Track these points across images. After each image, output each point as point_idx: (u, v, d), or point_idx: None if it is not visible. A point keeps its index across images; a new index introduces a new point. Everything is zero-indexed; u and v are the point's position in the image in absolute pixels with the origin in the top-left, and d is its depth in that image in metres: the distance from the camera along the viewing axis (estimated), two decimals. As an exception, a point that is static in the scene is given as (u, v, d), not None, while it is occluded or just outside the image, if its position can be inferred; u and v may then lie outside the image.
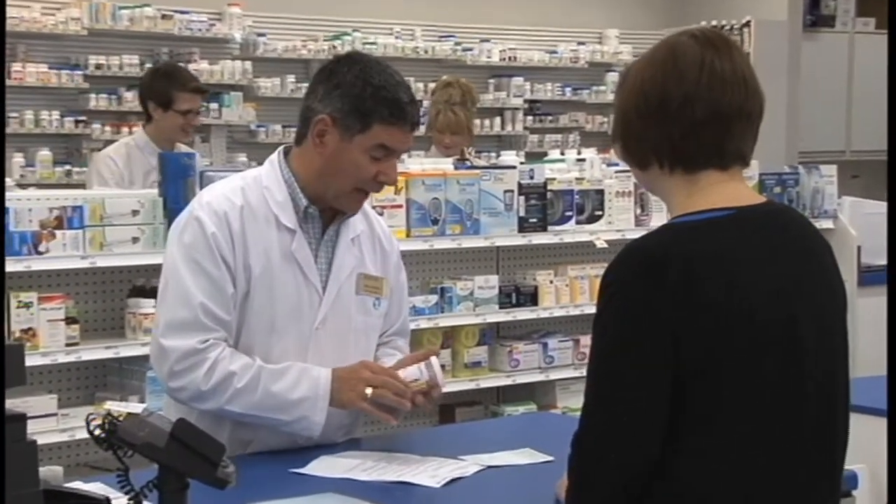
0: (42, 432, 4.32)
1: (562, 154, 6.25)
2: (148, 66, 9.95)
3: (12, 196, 4.71)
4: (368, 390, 3.04)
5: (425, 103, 11.29)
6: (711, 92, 2.19)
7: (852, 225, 6.38)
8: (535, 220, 5.47)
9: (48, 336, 4.49)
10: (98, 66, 9.78)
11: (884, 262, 5.57)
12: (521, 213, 5.42)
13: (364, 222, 3.23)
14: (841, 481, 2.27)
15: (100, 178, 5.90)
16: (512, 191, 5.39)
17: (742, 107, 2.21)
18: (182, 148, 6.03)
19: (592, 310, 2.20)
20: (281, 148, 3.18)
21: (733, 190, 2.23)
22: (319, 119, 3.03)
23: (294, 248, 3.07)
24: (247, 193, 3.07)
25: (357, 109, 2.99)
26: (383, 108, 2.99)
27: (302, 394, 3.01)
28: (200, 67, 9.75)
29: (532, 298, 5.56)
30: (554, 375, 5.64)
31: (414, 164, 5.50)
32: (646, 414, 2.10)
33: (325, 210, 3.12)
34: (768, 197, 5.99)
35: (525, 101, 11.84)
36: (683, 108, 2.19)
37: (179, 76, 6.10)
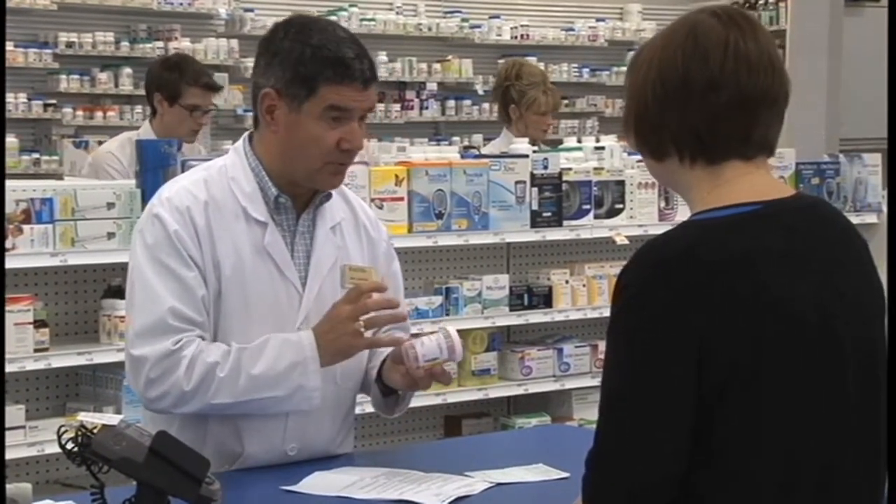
0: (9, 446, 4.33)
1: (579, 141, 6.27)
2: (124, 44, 10.00)
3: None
4: (360, 325, 3.04)
5: (429, 85, 11.37)
6: (738, 75, 2.19)
7: (899, 219, 6.39)
8: (549, 214, 5.48)
9: (15, 341, 4.50)
10: (69, 44, 9.80)
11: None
12: (534, 207, 5.43)
13: (345, 209, 3.24)
14: (883, 493, 2.29)
15: (106, 178, 5.88)
16: (524, 182, 5.40)
17: (769, 91, 2.22)
18: (192, 148, 6.05)
19: (611, 312, 2.20)
20: (246, 133, 3.20)
21: (760, 182, 2.24)
22: (264, 94, 3.06)
23: (267, 243, 3.08)
24: (210, 186, 3.09)
25: (299, 74, 3.02)
26: (326, 68, 3.01)
27: (289, 361, 3.01)
28: (182, 46, 9.78)
29: (546, 300, 5.57)
30: (570, 384, 5.66)
31: (417, 152, 5.52)
32: (668, 429, 2.10)
33: (298, 197, 3.14)
34: (805, 189, 6.06)
35: (538, 82, 11.83)
36: (707, 93, 2.20)
37: (190, 69, 6.14)
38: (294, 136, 3.05)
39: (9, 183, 4.82)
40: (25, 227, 4.51)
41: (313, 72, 3.01)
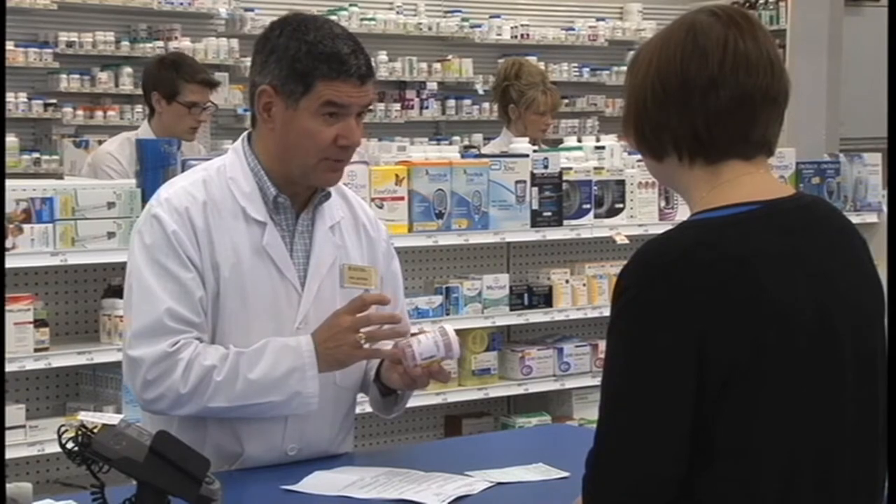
0: (9, 446, 4.33)
1: (579, 141, 6.27)
2: (124, 43, 10.00)
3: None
4: (360, 337, 3.04)
5: (429, 85, 11.37)
6: (737, 75, 2.19)
7: (899, 219, 6.39)
8: (549, 213, 5.48)
9: (15, 341, 4.50)
10: (69, 44, 9.80)
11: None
12: (534, 206, 5.43)
13: (345, 208, 3.24)
14: (883, 493, 2.28)
15: (105, 178, 5.88)
16: (524, 181, 5.40)
17: (768, 91, 2.22)
18: (191, 147, 6.04)
19: (611, 312, 2.20)
20: (245, 133, 3.20)
21: (760, 182, 2.24)
22: (261, 91, 3.06)
23: (266, 242, 3.08)
24: (209, 186, 3.09)
25: (295, 71, 3.02)
26: (321, 63, 3.01)
27: (287, 367, 3.01)
28: (182, 45, 9.78)
29: (546, 299, 5.57)
30: (570, 384, 5.66)
31: (417, 152, 5.52)
32: (667, 429, 2.10)
33: (297, 196, 3.14)
34: (805, 188, 6.06)
35: (539, 82, 11.83)
36: (706, 92, 2.19)
37: (187, 66, 6.16)
38: (291, 133, 3.05)
39: (9, 182, 4.82)
40: (26, 227, 4.51)
41: (309, 68, 3.01)
